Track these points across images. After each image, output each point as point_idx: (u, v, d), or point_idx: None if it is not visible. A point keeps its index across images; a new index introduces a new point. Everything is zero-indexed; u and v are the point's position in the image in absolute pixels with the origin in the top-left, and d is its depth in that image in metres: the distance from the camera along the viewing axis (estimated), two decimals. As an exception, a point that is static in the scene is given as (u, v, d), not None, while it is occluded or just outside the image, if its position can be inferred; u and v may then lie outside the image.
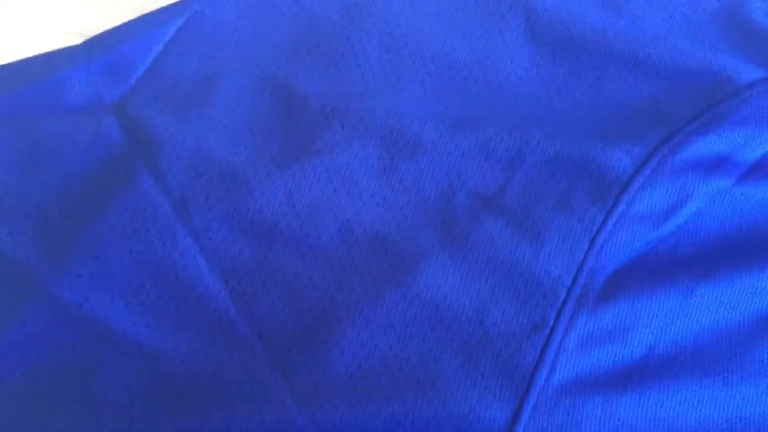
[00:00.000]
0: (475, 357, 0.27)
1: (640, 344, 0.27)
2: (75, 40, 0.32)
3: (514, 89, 0.32)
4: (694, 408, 0.26)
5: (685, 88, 0.31)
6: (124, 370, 0.27)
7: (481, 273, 0.28)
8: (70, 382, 0.27)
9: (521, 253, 0.28)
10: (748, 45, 0.32)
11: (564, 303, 0.27)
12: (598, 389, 0.26)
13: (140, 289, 0.28)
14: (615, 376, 0.27)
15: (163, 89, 0.32)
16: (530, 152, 0.30)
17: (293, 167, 0.30)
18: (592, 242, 0.28)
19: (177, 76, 0.32)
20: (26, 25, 0.35)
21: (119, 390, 0.27)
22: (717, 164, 0.30)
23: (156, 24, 0.32)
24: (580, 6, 0.34)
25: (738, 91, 0.31)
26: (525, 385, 0.26)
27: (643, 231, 0.29)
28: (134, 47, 0.32)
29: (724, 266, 0.28)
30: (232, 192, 0.30)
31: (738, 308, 0.28)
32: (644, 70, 0.32)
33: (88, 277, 0.28)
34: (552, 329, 0.27)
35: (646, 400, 0.26)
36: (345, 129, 0.31)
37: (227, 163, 0.30)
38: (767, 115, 0.31)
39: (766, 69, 0.32)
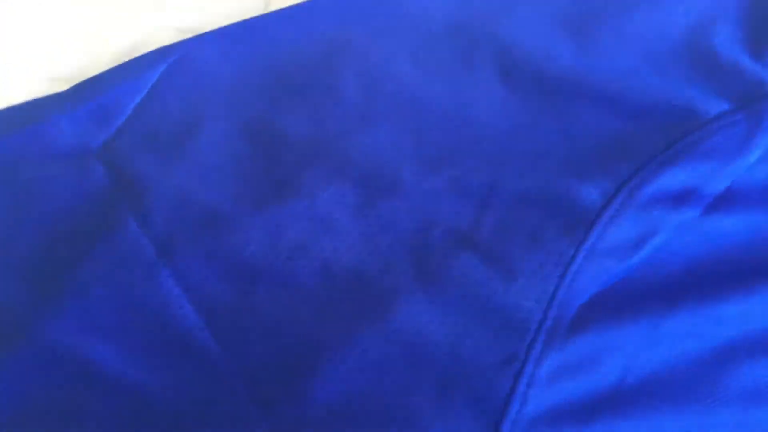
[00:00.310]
0: (449, 391, 0.27)
1: (609, 375, 0.28)
2: (62, 86, 0.34)
3: (487, 127, 0.33)
4: (662, 437, 0.27)
5: (653, 122, 0.32)
6: (111, 409, 0.28)
7: (456, 308, 0.29)
8: (58, 422, 0.28)
9: (494, 287, 0.29)
10: (714, 77, 0.33)
11: (535, 336, 0.28)
12: (569, 421, 0.27)
13: (126, 329, 0.29)
14: (585, 408, 0.28)
15: (148, 133, 0.33)
16: (502, 189, 0.31)
17: (274, 208, 0.31)
18: (562, 275, 0.29)
19: (161, 120, 0.33)
20: (14, 71, 0.36)
21: (107, 428, 0.28)
22: (683, 196, 0.31)
23: (140, 69, 0.33)
24: (552, 44, 0.35)
25: (704, 123, 0.32)
26: (498, 417, 0.27)
27: (612, 263, 0.30)
28: (119, 92, 0.33)
29: (690, 296, 0.29)
30: (214, 233, 0.31)
31: (704, 338, 0.29)
32: (613, 106, 0.33)
33: (76, 318, 0.29)
34: (524, 362, 0.28)
35: (616, 430, 0.27)
36: (324, 169, 0.32)
37: (210, 205, 0.31)
38: (732, 147, 0.32)
39: (731, 101, 0.33)
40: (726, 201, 0.31)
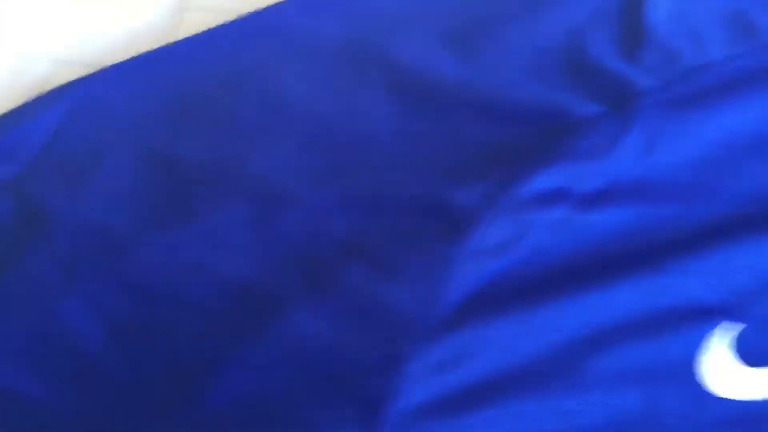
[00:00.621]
0: (333, 392, 0.29)
1: (482, 368, 0.30)
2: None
3: (375, 140, 0.35)
4: (529, 423, 0.29)
5: (529, 127, 0.34)
6: (20, 429, 0.30)
7: (342, 314, 0.31)
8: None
9: (378, 291, 0.31)
10: (587, 81, 0.35)
11: (415, 334, 0.30)
12: (447, 413, 0.29)
13: (34, 352, 0.31)
14: (461, 399, 0.29)
15: (56, 166, 0.35)
16: (387, 198, 0.33)
17: (173, 229, 0.33)
18: (442, 276, 0.31)
19: (69, 153, 0.35)
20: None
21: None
22: (557, 196, 0.33)
23: (46, 106, 0.36)
24: (437, 59, 0.37)
25: (576, 126, 0.34)
26: (379, 413, 0.29)
27: (488, 262, 0.32)
28: (26, 130, 0.35)
29: (559, 290, 0.31)
30: (117, 256, 0.33)
31: (570, 327, 0.30)
32: (494, 114, 0.35)
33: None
34: (404, 359, 0.29)
35: (489, 419, 0.29)
36: (220, 190, 0.34)
37: (113, 230, 0.33)
38: (603, 147, 0.34)
39: (603, 103, 0.35)
40: (599, 198, 0.33)
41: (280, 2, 0.38)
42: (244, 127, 0.35)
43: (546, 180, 0.33)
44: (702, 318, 0.30)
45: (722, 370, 0.30)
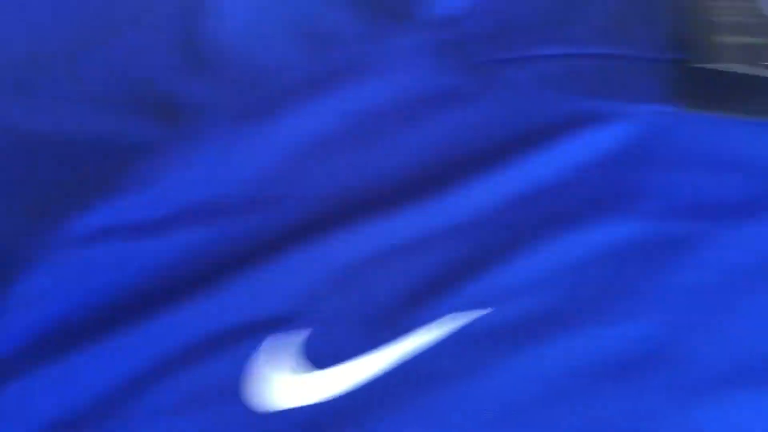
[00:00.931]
0: None
1: (29, 423, 0.28)
2: None
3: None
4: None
5: (87, 162, 0.33)
6: None
7: None
8: None
9: None
10: (149, 108, 0.35)
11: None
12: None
13: None
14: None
15: None
16: None
17: None
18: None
19: None
20: None
21: None
22: (112, 230, 0.32)
23: None
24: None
25: (135, 154, 0.33)
26: None
27: (34, 313, 0.30)
28: None
29: (111, 328, 0.30)
30: None
31: (118, 368, 0.30)
32: (53, 153, 0.34)
33: None
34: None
35: None
36: None
37: None
38: (161, 172, 0.33)
39: (163, 128, 0.34)
40: (161, 225, 0.33)
41: None
42: None
43: (99, 215, 0.32)
44: (250, 335, 0.30)
45: (279, 381, 0.30)
